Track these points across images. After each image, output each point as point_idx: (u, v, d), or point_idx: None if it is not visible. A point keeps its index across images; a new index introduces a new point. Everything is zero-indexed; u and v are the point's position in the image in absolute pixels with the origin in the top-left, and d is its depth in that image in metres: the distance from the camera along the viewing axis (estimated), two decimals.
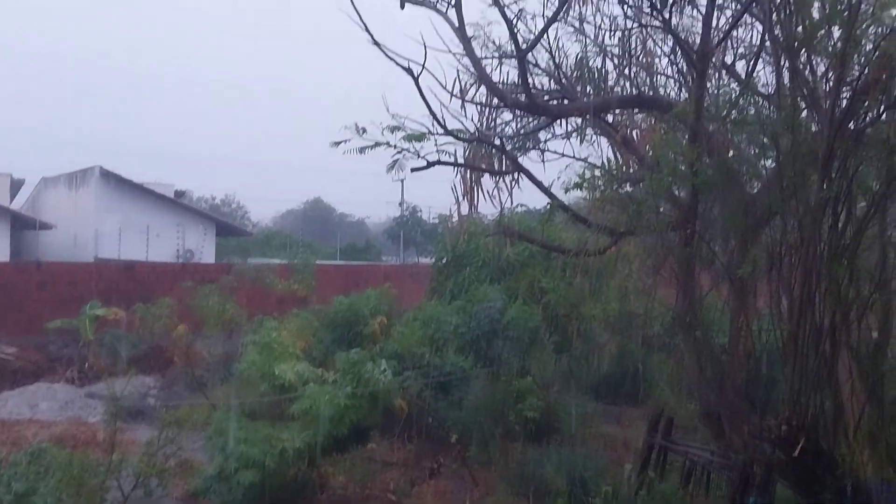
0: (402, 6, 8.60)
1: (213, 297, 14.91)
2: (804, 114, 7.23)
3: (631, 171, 8.90)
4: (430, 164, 8.51)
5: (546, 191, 8.80)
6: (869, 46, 6.59)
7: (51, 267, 24.51)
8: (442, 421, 12.10)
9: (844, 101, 6.57)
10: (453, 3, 8.48)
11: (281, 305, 18.03)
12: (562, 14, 8.68)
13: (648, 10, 8.13)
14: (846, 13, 6.49)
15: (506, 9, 8.41)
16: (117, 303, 19.34)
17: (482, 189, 9.94)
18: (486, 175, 9.66)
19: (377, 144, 8.37)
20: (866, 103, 6.48)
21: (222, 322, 15.02)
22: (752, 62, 8.18)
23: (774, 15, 7.02)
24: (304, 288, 18.08)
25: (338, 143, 8.37)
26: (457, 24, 8.50)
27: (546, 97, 9.71)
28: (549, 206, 8.92)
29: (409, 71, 7.62)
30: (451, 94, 8.89)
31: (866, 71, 6.30)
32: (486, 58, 9.58)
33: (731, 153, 7.62)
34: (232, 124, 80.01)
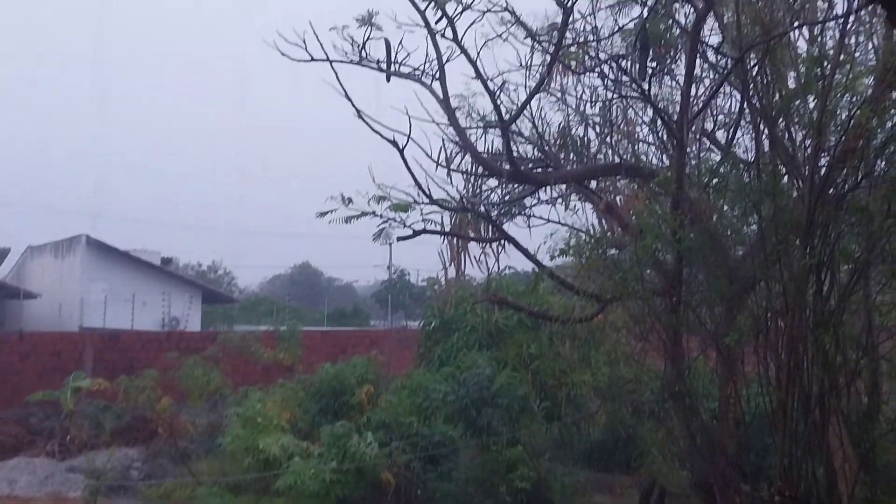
0: (388, 79, 8.77)
1: (197, 367, 14.74)
2: (784, 180, 7.36)
3: (615, 236, 8.96)
4: (416, 234, 8.54)
5: (533, 259, 8.84)
6: (844, 115, 6.75)
7: (34, 337, 24.19)
8: (431, 494, 11.85)
9: (823, 169, 6.70)
10: (437, 76, 8.66)
11: (267, 374, 17.84)
12: (543, 85, 8.85)
13: (628, 82, 8.29)
14: (821, 83, 6.66)
15: (489, 82, 8.60)
16: (102, 373, 19.05)
17: (469, 255, 9.98)
18: (473, 241, 9.71)
19: (363, 214, 8.41)
20: (844, 171, 6.60)
21: (207, 393, 14.82)
22: (731, 130, 8.33)
23: (751, 85, 7.19)
24: (289, 357, 17.92)
25: (323, 214, 8.41)
26: (441, 97, 8.66)
27: (530, 165, 9.84)
28: (536, 274, 8.93)
29: (394, 144, 7.72)
30: (437, 164, 8.99)
31: (843, 139, 6.42)
32: (470, 127, 9.74)
33: (713, 220, 7.70)
34: (219, 190, 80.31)
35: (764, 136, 7.34)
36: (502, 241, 9.53)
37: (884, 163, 6.53)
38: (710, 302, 7.69)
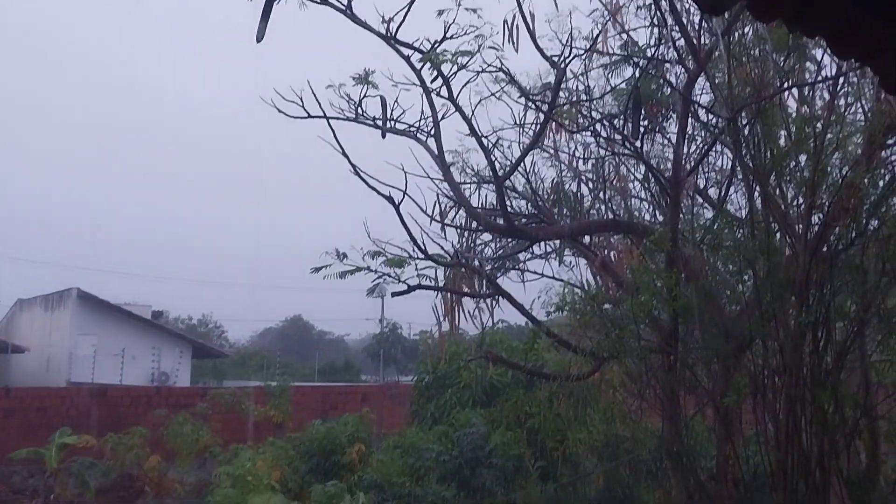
0: (384, 136, 8.83)
1: (186, 425, 14.49)
2: (777, 236, 7.40)
3: (610, 293, 8.95)
4: (410, 289, 8.50)
5: (529, 316, 8.79)
6: (836, 174, 6.82)
7: (20, 393, 23.79)
8: None
9: (817, 227, 6.74)
10: (432, 133, 8.73)
11: (257, 431, 17.55)
12: (537, 143, 8.93)
13: (620, 140, 8.38)
14: (812, 143, 6.75)
15: (483, 138, 8.68)
16: (89, 429, 18.69)
17: (463, 309, 9.94)
18: (468, 296, 9.68)
19: (358, 269, 8.39)
20: (838, 229, 6.64)
21: (196, 451, 14.54)
22: (724, 188, 8.39)
23: (743, 144, 7.26)
24: (280, 413, 17.67)
25: (318, 269, 8.39)
26: (436, 152, 8.72)
27: (524, 220, 9.87)
28: (532, 331, 8.88)
29: (390, 199, 7.74)
30: (431, 218, 9.01)
31: (835, 199, 6.47)
32: (464, 183, 9.80)
33: (708, 277, 7.69)
34: (210, 243, 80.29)
35: (756, 194, 7.39)
36: (497, 296, 9.50)
37: (877, 221, 6.56)
38: (706, 360, 7.64)
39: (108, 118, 76.49)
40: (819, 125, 6.89)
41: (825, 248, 6.70)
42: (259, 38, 7.27)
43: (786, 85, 7.25)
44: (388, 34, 8.10)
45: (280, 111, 8.28)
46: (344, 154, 7.80)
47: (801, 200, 7.50)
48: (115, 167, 79.44)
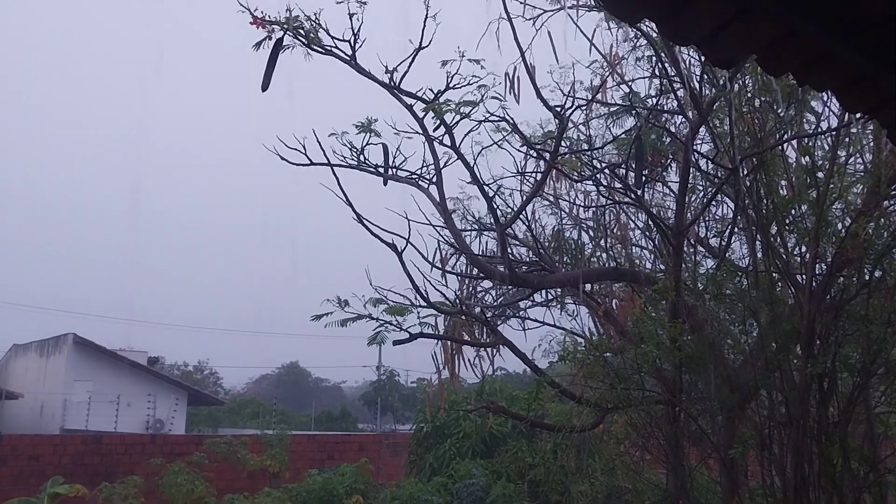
0: (385, 183, 8.88)
1: (182, 475, 14.26)
2: (780, 286, 7.38)
3: (612, 342, 8.89)
4: (412, 337, 8.44)
5: (532, 366, 8.72)
6: (839, 224, 6.83)
7: (12, 440, 23.48)
8: None
9: (820, 277, 6.72)
10: (434, 180, 8.78)
11: (252, 481, 17.29)
12: (539, 192, 8.97)
13: (622, 189, 8.41)
14: (814, 193, 6.77)
15: (485, 186, 8.72)
16: (82, 478, 18.39)
17: (463, 357, 9.86)
18: (470, 345, 9.62)
19: (359, 317, 8.34)
20: (842, 280, 6.63)
21: (191, 502, 14.27)
22: (725, 237, 8.39)
23: (745, 194, 7.29)
24: (276, 463, 17.41)
25: (319, 317, 8.34)
26: (438, 200, 8.75)
27: (525, 267, 9.86)
28: (536, 382, 8.79)
29: (393, 247, 7.73)
30: (432, 265, 8.99)
31: (839, 249, 6.46)
32: (465, 230, 9.81)
33: (711, 327, 7.65)
34: (206, 289, 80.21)
35: (758, 244, 7.39)
36: (498, 345, 9.44)
37: (881, 272, 6.55)
38: (710, 411, 7.55)
39: (107, 163, 77.06)
40: (820, 175, 6.93)
41: (829, 299, 6.68)
42: (264, 88, 7.38)
43: (787, 136, 7.30)
44: (392, 83, 8.20)
45: (282, 158, 8.33)
46: (348, 202, 7.82)
47: (803, 250, 7.51)
48: (112, 213, 79.75)
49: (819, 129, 7.28)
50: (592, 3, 7.53)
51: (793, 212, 7.16)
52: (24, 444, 23.15)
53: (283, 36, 7.55)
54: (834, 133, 6.94)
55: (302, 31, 7.67)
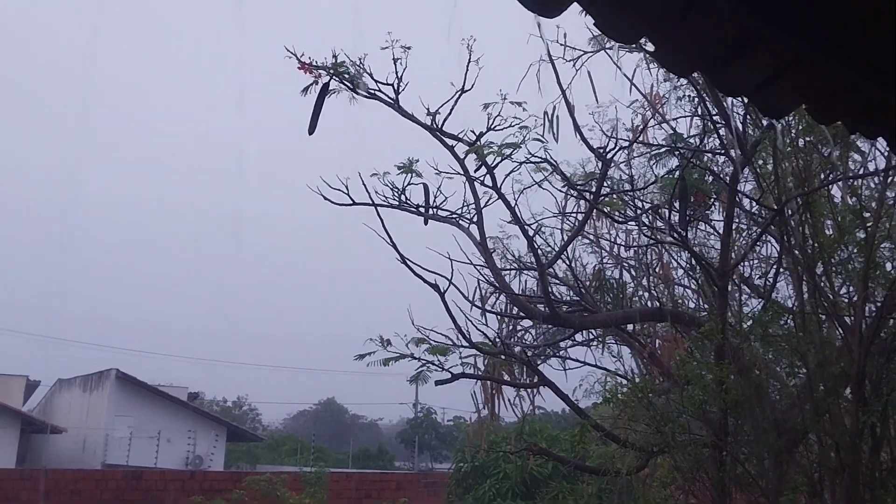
0: (426, 223, 8.96)
1: None
2: (828, 328, 7.26)
3: (657, 383, 8.79)
4: (454, 377, 8.44)
5: (575, 408, 8.64)
6: (888, 266, 6.73)
7: (56, 474, 23.82)
8: None
9: (870, 319, 6.60)
10: (475, 219, 8.84)
11: None
12: (580, 232, 8.98)
13: (665, 229, 8.38)
14: (862, 234, 6.69)
15: (525, 226, 8.75)
16: None
17: (503, 396, 9.82)
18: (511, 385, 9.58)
19: (401, 357, 8.38)
20: (892, 322, 6.51)
21: None
22: (771, 277, 8.29)
23: (790, 235, 7.22)
24: (316, 502, 17.38)
25: (362, 356, 8.39)
26: (478, 239, 8.80)
27: (566, 307, 9.82)
28: (580, 426, 8.70)
29: (435, 287, 7.78)
30: (472, 304, 9.00)
31: (890, 291, 6.36)
32: (505, 269, 9.82)
33: (758, 369, 7.54)
34: (245, 325, 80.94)
35: (804, 285, 7.30)
36: (540, 386, 9.39)
37: None
38: (758, 455, 7.40)
39: (146, 210, 78.65)
40: (868, 216, 6.85)
41: (879, 341, 6.55)
42: (311, 131, 7.55)
43: (833, 176, 7.24)
44: (434, 125, 8.32)
45: (325, 198, 8.46)
46: (392, 244, 7.89)
47: (850, 291, 7.40)
48: (156, 254, 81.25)
49: (866, 170, 7.21)
50: (639, 48, 7.58)
51: (840, 253, 7.08)
52: (67, 479, 23.46)
53: (330, 81, 7.72)
54: (882, 174, 6.87)
55: (347, 76, 7.85)
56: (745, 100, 5.30)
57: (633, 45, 6.96)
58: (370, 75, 8.10)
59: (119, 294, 78.52)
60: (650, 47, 2.39)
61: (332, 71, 7.82)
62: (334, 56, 7.87)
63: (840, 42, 2.39)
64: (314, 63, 7.78)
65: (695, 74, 5.99)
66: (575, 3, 2.08)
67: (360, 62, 8.03)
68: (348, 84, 7.93)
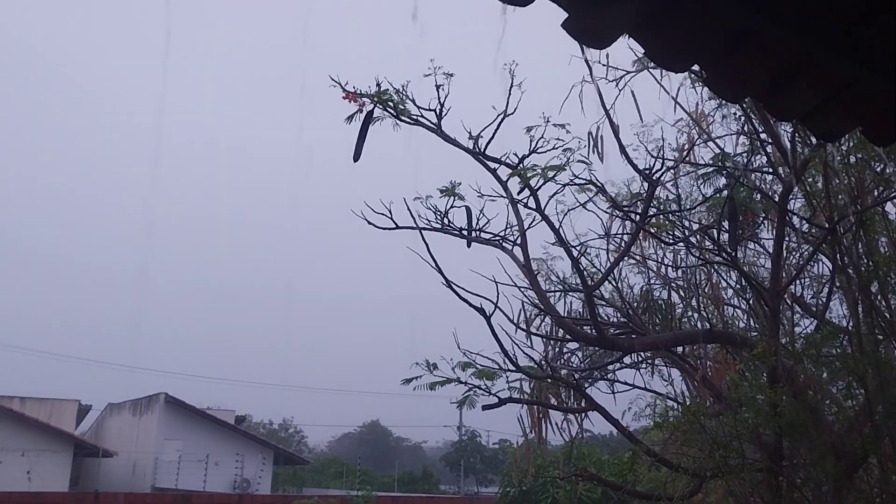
0: (469, 245, 8.97)
1: None
2: (885, 348, 7.06)
3: (708, 406, 8.63)
4: (501, 402, 8.39)
5: (626, 433, 8.52)
6: None
7: (108, 497, 24.23)
8: None
9: None
10: (518, 241, 8.82)
11: None
12: (627, 253, 8.89)
13: (714, 248, 8.27)
14: None
15: (570, 247, 8.70)
16: None
17: (550, 420, 9.72)
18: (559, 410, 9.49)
19: (448, 381, 8.36)
20: None
21: None
22: (825, 298, 8.12)
23: (843, 253, 7.07)
24: None
25: (409, 381, 8.40)
26: (523, 261, 8.77)
27: (613, 329, 9.72)
28: (632, 452, 8.58)
29: (481, 311, 7.76)
30: (517, 326, 8.96)
31: None
32: (550, 291, 9.76)
33: (813, 391, 7.36)
34: (290, 347, 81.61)
35: (859, 304, 7.12)
36: (588, 410, 9.28)
37: None
38: (815, 479, 7.20)
39: (196, 236, 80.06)
40: None
41: None
42: (356, 159, 7.64)
43: (887, 193, 7.08)
44: (477, 149, 8.35)
45: (369, 223, 8.53)
46: (437, 268, 7.90)
47: None
48: (204, 277, 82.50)
49: None
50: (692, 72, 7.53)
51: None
52: (119, 502, 23.83)
53: (374, 109, 7.82)
54: None
55: (391, 104, 7.94)
56: (800, 123, 5.23)
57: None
58: (413, 101, 8.18)
59: (167, 318, 79.91)
60: (702, 73, 2.38)
61: (375, 99, 7.92)
62: (377, 84, 7.97)
63: (893, 64, 2.36)
64: (358, 91, 7.89)
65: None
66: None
67: (403, 89, 8.12)
68: (391, 111, 8.02)
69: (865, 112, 2.54)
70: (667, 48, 2.15)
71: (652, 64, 7.97)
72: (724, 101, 7.84)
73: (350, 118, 7.80)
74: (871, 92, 2.48)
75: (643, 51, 2.12)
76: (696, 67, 2.57)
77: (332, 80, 7.89)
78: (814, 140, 6.75)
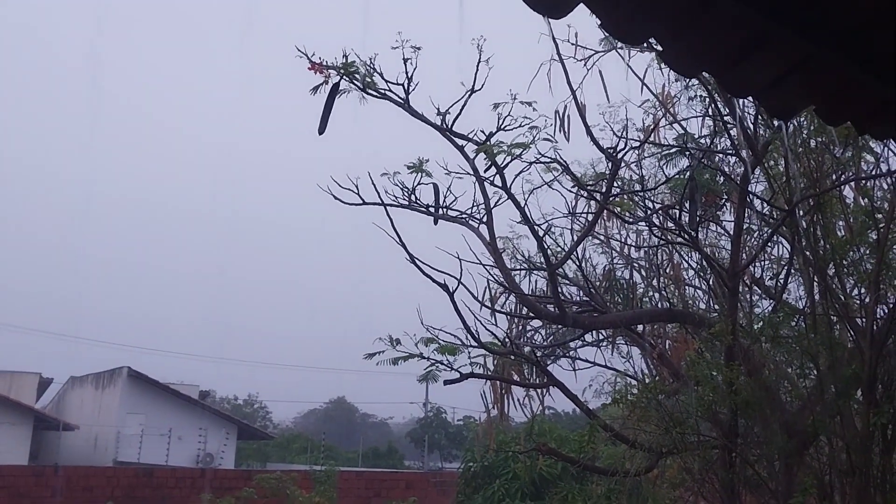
0: (436, 223, 8.95)
1: None
2: (839, 329, 7.22)
3: (666, 384, 8.76)
4: (463, 377, 8.43)
5: (585, 409, 8.63)
6: None
7: (68, 471, 23.98)
8: None
9: (882, 320, 6.57)
10: (484, 220, 8.83)
11: None
12: (590, 232, 8.95)
13: (675, 229, 8.35)
14: (873, 234, 6.64)
15: (535, 226, 8.73)
16: None
17: (512, 396, 9.80)
18: (520, 385, 9.57)
19: (410, 356, 8.37)
20: None
21: None
22: (782, 279, 8.25)
23: (801, 236, 7.18)
24: (325, 500, 17.40)
25: (371, 355, 8.39)
26: (488, 239, 8.79)
27: (575, 308, 9.80)
28: (589, 426, 8.69)
29: (444, 287, 7.76)
30: (482, 304, 8.99)
31: None
32: (515, 269, 9.81)
33: (768, 371, 7.50)
34: (256, 324, 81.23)
35: (815, 286, 7.26)
36: (549, 386, 9.37)
37: None
38: (768, 457, 7.37)
39: (158, 209, 78.94)
40: (880, 217, 6.80)
41: (891, 343, 6.51)
42: (321, 132, 7.56)
43: (845, 177, 7.20)
44: (444, 126, 8.31)
45: (336, 198, 8.46)
46: (401, 243, 7.87)
47: (862, 293, 7.35)
48: (167, 252, 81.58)
49: (879, 171, 7.16)
50: (648, 48, 7.56)
51: (851, 254, 7.04)
52: (79, 476, 23.60)
53: (340, 81, 7.73)
54: (895, 174, 6.82)
55: (358, 76, 7.85)
56: (755, 100, 5.29)
57: (643, 46, 6.94)
58: (381, 75, 8.10)
59: (131, 292, 78.95)
60: (658, 47, 2.39)
61: (342, 71, 7.83)
62: (345, 56, 7.87)
63: (849, 42, 2.38)
64: (325, 63, 7.79)
65: (704, 74, 5.98)
66: (582, 5, 2.08)
67: (371, 62, 8.03)
68: (358, 84, 7.94)
69: (819, 90, 2.57)
70: (623, 20, 2.15)
71: (619, 44, 8.00)
72: (689, 83, 7.91)
73: (315, 89, 7.71)
74: (825, 70, 2.50)
75: (599, 23, 2.11)
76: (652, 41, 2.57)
77: (299, 50, 7.78)
78: (776, 123, 6.84)
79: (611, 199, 8.11)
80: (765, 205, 8.17)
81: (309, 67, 7.77)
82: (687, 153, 7.97)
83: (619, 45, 8.02)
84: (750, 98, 4.78)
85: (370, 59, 8.01)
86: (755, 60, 2.42)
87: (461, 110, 8.13)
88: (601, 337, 9.80)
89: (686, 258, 9.47)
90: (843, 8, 2.35)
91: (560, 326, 9.79)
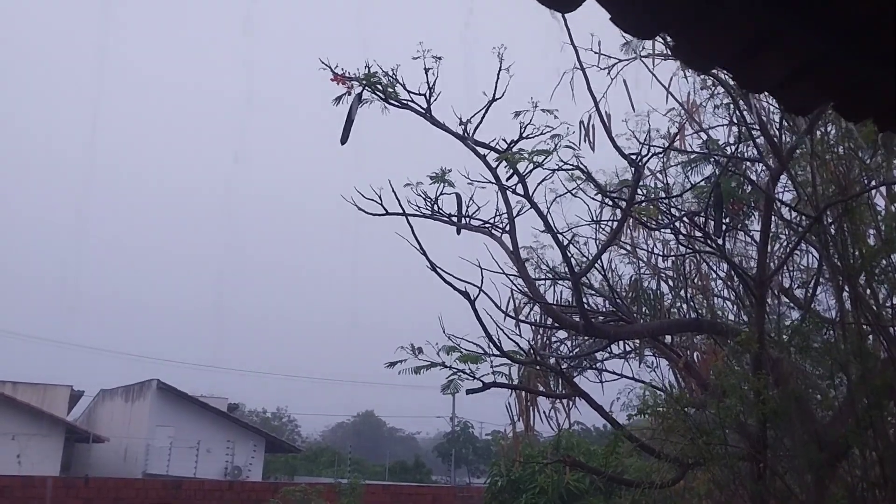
0: (459, 232, 8.93)
1: None
2: (871, 339, 7.06)
3: (694, 396, 8.62)
4: (486, 386, 8.37)
5: (610, 419, 8.51)
6: None
7: (97, 483, 24.21)
8: None
9: None
10: (507, 229, 8.79)
11: None
12: (615, 240, 8.86)
13: (701, 237, 8.24)
14: None
15: (558, 235, 8.66)
16: None
17: (538, 409, 9.70)
18: (544, 396, 9.48)
19: (433, 365, 8.34)
20: None
21: None
22: (811, 287, 8.10)
23: (830, 243, 7.04)
24: None
25: (393, 364, 8.38)
26: (511, 248, 8.75)
27: (602, 318, 9.69)
28: (614, 436, 8.58)
29: (466, 296, 7.73)
30: (505, 314, 8.94)
31: None
32: (539, 279, 9.74)
33: (797, 381, 7.35)
34: (286, 337, 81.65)
35: (845, 295, 7.10)
36: (574, 397, 9.27)
37: None
38: (798, 469, 7.21)
39: (198, 217, 79.87)
40: None
41: None
42: (343, 141, 7.59)
43: (874, 183, 7.06)
44: (465, 135, 8.31)
45: (359, 208, 8.48)
46: (422, 252, 7.87)
47: (894, 301, 7.18)
48: (197, 265, 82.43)
49: None
50: (667, 52, 7.50)
51: (882, 262, 6.89)
52: (109, 487, 23.82)
53: (362, 91, 7.76)
54: None
55: (380, 87, 7.88)
56: (772, 97, 5.20)
57: (665, 54, 6.89)
58: (402, 85, 8.13)
59: (161, 305, 79.81)
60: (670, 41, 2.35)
61: (364, 82, 7.86)
62: (367, 67, 7.92)
63: (860, 39, 2.33)
64: (347, 74, 7.83)
65: (724, 74, 5.91)
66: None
67: (393, 73, 8.06)
68: (380, 94, 7.97)
69: (835, 87, 2.51)
70: (634, 13, 2.12)
71: (643, 52, 7.95)
72: (714, 90, 7.83)
73: (338, 100, 7.75)
74: (840, 67, 2.45)
75: (609, 16, 2.08)
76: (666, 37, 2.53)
77: (322, 63, 7.84)
78: (802, 129, 6.73)
79: (634, 206, 8.03)
80: (792, 212, 8.04)
81: (332, 79, 7.82)
82: (711, 160, 7.87)
83: (644, 53, 7.97)
84: (765, 94, 4.71)
85: (392, 69, 8.05)
86: (767, 56, 2.37)
87: (482, 119, 8.13)
88: (628, 348, 9.68)
89: (714, 268, 9.34)
90: (854, 4, 2.30)
91: (585, 337, 9.70)
